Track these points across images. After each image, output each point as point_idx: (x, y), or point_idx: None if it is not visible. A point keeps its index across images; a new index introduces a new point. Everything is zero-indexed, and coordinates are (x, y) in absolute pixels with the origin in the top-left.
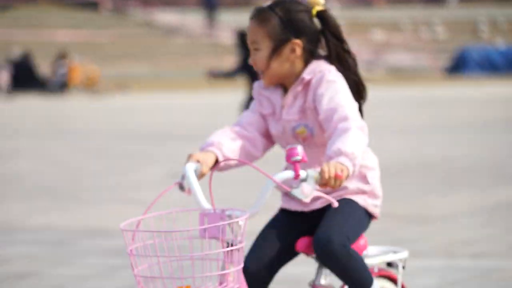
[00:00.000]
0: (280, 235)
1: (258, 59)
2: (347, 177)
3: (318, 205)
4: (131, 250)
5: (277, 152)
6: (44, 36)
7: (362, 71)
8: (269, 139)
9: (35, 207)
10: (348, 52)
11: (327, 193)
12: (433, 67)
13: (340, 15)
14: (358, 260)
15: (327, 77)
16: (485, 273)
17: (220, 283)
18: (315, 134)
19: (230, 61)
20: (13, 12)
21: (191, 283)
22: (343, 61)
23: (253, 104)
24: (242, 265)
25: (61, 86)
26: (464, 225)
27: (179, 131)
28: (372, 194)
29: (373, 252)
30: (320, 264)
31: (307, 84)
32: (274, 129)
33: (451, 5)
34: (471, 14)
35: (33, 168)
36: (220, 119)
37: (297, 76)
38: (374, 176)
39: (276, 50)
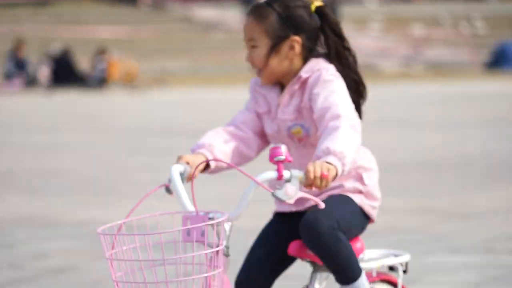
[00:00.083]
0: (273, 243)
1: (255, 57)
2: (335, 177)
3: (312, 202)
4: (111, 255)
5: None
6: (83, 32)
7: (401, 66)
8: (264, 139)
9: (74, 202)
10: (348, 49)
11: (318, 194)
12: (473, 62)
13: (379, 11)
14: (347, 247)
15: (324, 76)
16: None
17: None
18: (311, 134)
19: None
20: (52, 8)
21: None
22: (343, 58)
23: (248, 102)
24: (221, 269)
25: (100, 81)
26: (504, 221)
27: (217, 126)
28: (369, 195)
29: (373, 256)
30: (315, 269)
31: (304, 83)
32: (269, 128)
33: (491, 0)
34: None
35: (73, 163)
36: None
37: (295, 74)
38: (371, 177)
39: (274, 47)
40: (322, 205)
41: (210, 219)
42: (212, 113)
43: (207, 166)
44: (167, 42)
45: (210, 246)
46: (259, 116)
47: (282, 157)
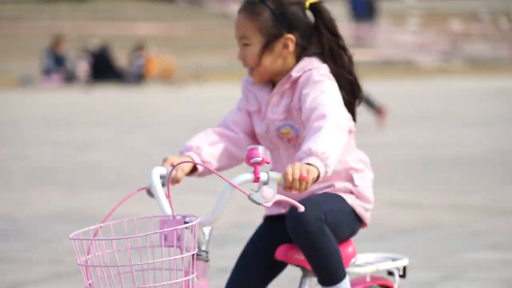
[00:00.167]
0: (262, 247)
1: (248, 55)
2: (317, 179)
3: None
4: (86, 261)
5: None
6: (121, 28)
7: (440, 62)
8: (255, 139)
9: (112, 197)
10: (343, 48)
11: (308, 194)
12: None
13: (417, 6)
14: (332, 243)
15: (314, 76)
16: None
17: None
18: (300, 135)
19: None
20: (90, 4)
21: None
22: (337, 57)
23: (240, 101)
24: (194, 274)
25: (138, 77)
26: None
27: None
28: (360, 196)
29: (369, 260)
30: (304, 273)
31: (295, 82)
32: (258, 128)
33: None
34: None
35: (111, 158)
36: None
37: (288, 73)
38: (363, 178)
39: (268, 45)
40: (302, 208)
41: (186, 223)
42: None
43: (194, 169)
44: (203, 38)
45: (188, 251)
46: (250, 115)
47: (259, 159)
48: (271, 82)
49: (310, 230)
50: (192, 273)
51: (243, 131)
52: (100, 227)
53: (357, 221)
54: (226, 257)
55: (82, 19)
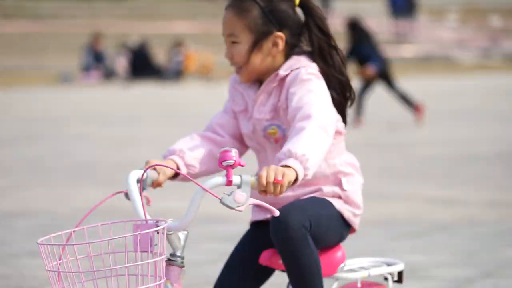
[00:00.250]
0: (247, 253)
1: (236, 53)
2: (295, 182)
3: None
4: (58, 267)
5: None
6: (160, 26)
7: (479, 58)
8: (242, 142)
9: (153, 193)
10: (334, 47)
11: (296, 198)
12: None
13: (456, 1)
14: (313, 255)
15: (302, 75)
16: None
17: None
18: (287, 136)
19: (342, 48)
20: (129, 2)
21: None
22: (327, 57)
23: (226, 102)
24: (163, 280)
25: (176, 73)
26: None
27: None
28: (349, 201)
29: (362, 265)
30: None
31: (282, 81)
32: (245, 128)
33: None
34: None
35: (150, 154)
36: None
37: (276, 71)
38: (352, 182)
39: (257, 43)
40: (277, 213)
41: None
42: None
43: (177, 173)
44: None
45: (161, 256)
46: (236, 116)
47: (231, 162)
48: (259, 81)
49: (292, 235)
50: (163, 278)
51: (229, 134)
52: (73, 231)
53: (345, 227)
54: None
55: (120, 17)
